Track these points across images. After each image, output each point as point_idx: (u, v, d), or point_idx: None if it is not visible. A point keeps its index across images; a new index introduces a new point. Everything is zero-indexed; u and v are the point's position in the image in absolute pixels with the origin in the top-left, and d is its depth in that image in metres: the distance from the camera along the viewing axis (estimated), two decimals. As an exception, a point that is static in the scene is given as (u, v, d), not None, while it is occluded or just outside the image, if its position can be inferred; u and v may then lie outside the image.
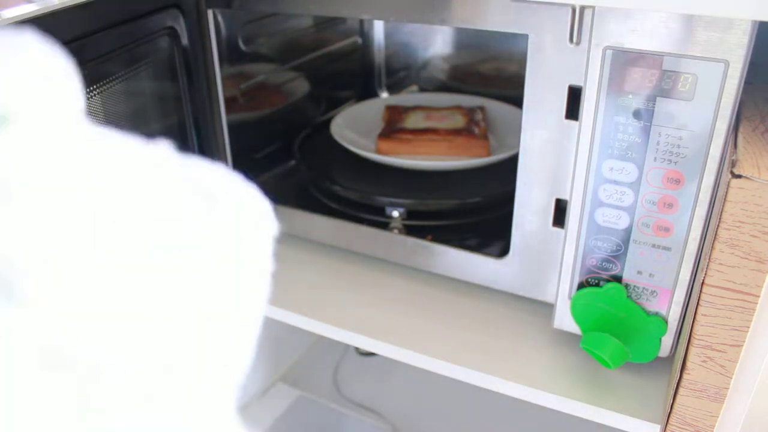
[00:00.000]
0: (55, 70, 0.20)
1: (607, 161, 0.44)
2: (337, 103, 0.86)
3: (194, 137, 0.61)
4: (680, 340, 0.45)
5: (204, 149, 0.63)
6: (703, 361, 0.40)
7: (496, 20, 0.47)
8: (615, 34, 0.40)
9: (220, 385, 0.21)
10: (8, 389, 0.16)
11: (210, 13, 0.58)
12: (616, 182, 0.44)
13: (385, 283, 0.61)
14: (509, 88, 0.82)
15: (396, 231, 0.62)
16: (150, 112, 0.57)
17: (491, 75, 0.88)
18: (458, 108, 0.79)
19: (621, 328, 0.47)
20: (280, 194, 0.70)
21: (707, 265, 0.37)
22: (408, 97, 0.89)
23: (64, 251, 0.17)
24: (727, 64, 0.37)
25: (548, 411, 0.50)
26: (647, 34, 0.39)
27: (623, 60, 0.40)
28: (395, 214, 0.64)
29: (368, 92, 0.94)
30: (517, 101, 0.51)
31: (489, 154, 0.70)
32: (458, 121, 0.76)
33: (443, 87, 0.91)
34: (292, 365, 1.05)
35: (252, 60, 0.70)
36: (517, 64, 0.83)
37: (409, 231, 0.62)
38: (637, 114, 0.41)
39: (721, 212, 0.36)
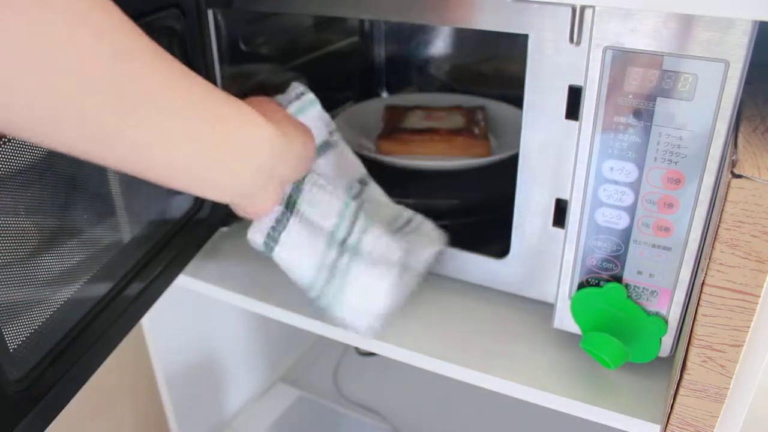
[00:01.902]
0: None
1: (607, 161, 0.44)
2: (337, 103, 0.86)
3: (194, 137, 0.61)
4: (680, 340, 0.45)
5: (204, 149, 0.63)
6: (703, 361, 0.40)
7: (496, 20, 0.47)
8: (615, 34, 0.40)
9: None
10: None
11: (210, 13, 0.58)
12: (616, 182, 0.44)
13: (385, 283, 0.61)
14: (509, 88, 0.82)
15: (396, 231, 0.62)
16: (150, 112, 0.56)
17: (491, 75, 0.88)
18: (458, 108, 0.79)
19: (621, 328, 0.47)
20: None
21: (707, 265, 0.37)
22: (408, 97, 0.89)
23: None
24: (727, 64, 0.37)
25: (548, 411, 0.50)
26: (647, 34, 0.39)
27: (623, 60, 0.40)
28: (395, 214, 0.64)
29: (368, 92, 0.94)
30: (517, 101, 0.51)
31: (489, 154, 0.70)
32: (458, 121, 0.76)
33: (443, 87, 0.91)
34: (292, 365, 1.05)
35: (252, 60, 0.70)
36: (517, 64, 0.83)
37: (409, 231, 0.62)
38: (637, 114, 0.41)
39: (722, 212, 0.36)
